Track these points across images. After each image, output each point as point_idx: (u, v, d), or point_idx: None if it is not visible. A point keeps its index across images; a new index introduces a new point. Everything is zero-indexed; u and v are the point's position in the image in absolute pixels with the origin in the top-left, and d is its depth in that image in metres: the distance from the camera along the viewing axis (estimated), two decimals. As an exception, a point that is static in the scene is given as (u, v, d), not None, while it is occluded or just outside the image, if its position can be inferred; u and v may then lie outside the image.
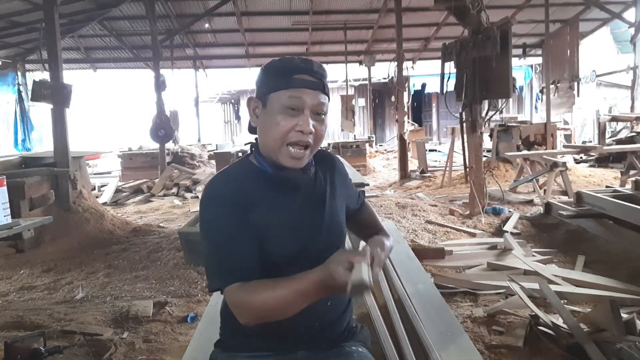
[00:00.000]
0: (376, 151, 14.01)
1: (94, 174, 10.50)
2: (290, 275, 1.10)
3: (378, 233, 1.28)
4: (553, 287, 2.65)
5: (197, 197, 7.91)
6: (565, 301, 2.74)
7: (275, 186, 1.16)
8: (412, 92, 15.50)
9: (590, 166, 8.83)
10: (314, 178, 1.23)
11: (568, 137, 11.15)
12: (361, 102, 17.04)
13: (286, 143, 1.10)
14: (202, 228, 1.13)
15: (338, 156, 1.39)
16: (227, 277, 1.07)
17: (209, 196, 1.13)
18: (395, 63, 8.65)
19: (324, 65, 1.19)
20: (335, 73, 14.93)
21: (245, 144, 1.28)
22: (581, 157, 9.24)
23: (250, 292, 1.04)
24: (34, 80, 5.96)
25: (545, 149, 7.55)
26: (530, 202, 5.69)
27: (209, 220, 1.11)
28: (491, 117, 5.30)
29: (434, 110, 18.41)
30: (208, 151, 11.80)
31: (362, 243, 1.29)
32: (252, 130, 1.21)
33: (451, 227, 4.66)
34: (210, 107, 20.57)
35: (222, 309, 1.24)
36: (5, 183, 2.51)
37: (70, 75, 11.50)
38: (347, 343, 1.24)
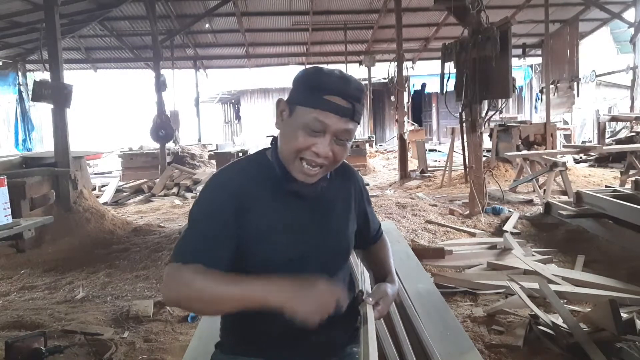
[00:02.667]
0: (376, 151, 14.01)
1: (95, 174, 10.50)
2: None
3: (385, 274, 1.29)
4: (553, 287, 2.65)
5: (198, 197, 7.91)
6: (565, 301, 2.74)
7: (280, 189, 1.14)
8: (412, 92, 15.49)
9: (590, 166, 8.83)
10: (327, 190, 1.20)
11: (568, 137, 11.16)
12: (361, 102, 17.00)
13: (300, 157, 1.09)
14: (192, 208, 1.14)
15: (361, 176, 1.37)
16: (180, 255, 1.06)
17: (210, 183, 1.15)
18: (395, 63, 8.65)
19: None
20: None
21: (267, 136, 1.26)
22: (581, 157, 9.24)
23: (192, 272, 1.01)
24: (34, 80, 5.98)
25: (545, 149, 7.55)
26: (530, 202, 5.70)
27: (198, 203, 1.13)
28: (491, 117, 5.30)
29: (433, 110, 18.41)
30: (208, 151, 11.81)
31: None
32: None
33: (451, 227, 4.67)
34: (211, 107, 20.58)
35: None
36: (6, 183, 2.51)
37: (71, 76, 11.51)
38: (348, 346, 1.24)
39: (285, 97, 1.13)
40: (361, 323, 1.05)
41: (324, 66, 1.12)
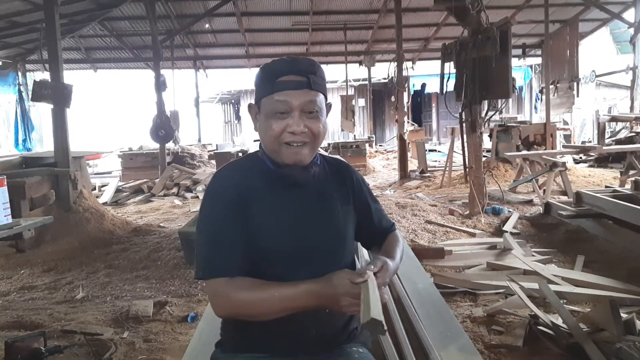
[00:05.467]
0: (376, 151, 14.02)
1: (95, 174, 10.50)
2: (281, 271, 1.15)
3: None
4: (552, 287, 2.65)
5: (197, 197, 7.93)
6: (565, 301, 2.74)
7: (277, 183, 1.19)
8: (411, 92, 15.49)
9: (590, 166, 8.83)
10: (323, 182, 1.24)
11: (567, 137, 11.17)
12: (361, 102, 17.04)
13: (282, 143, 1.14)
14: (199, 218, 1.18)
15: (359, 172, 1.38)
16: (211, 269, 1.12)
17: (211, 189, 1.18)
18: (395, 63, 8.65)
19: (323, 64, 1.20)
20: (335, 73, 14.93)
21: (255, 141, 1.31)
22: (581, 157, 9.25)
23: (237, 288, 1.10)
24: (34, 80, 5.97)
25: (545, 149, 7.55)
26: (529, 202, 5.70)
27: (206, 213, 1.17)
28: (491, 117, 5.30)
29: (433, 110, 18.41)
30: (208, 151, 11.81)
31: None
32: None
33: (451, 227, 4.67)
34: (211, 107, 20.59)
35: None
36: (5, 183, 2.52)
37: (71, 76, 11.51)
38: (347, 345, 1.25)
39: None
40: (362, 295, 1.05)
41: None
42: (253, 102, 1.22)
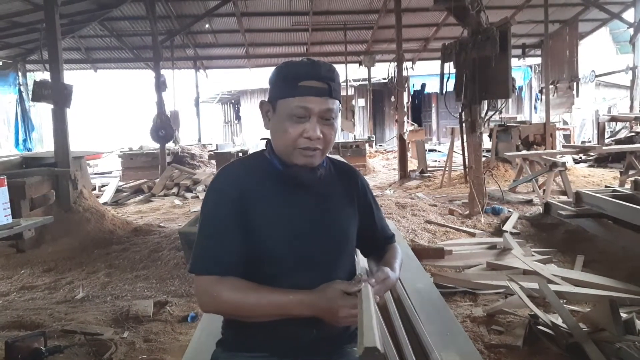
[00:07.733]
0: (376, 151, 14.02)
1: (95, 174, 10.50)
2: (279, 271, 1.16)
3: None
4: (552, 287, 2.66)
5: (198, 197, 7.93)
6: (565, 301, 2.75)
7: (282, 182, 1.19)
8: (411, 93, 15.49)
9: (590, 166, 8.84)
10: (328, 183, 1.24)
11: (567, 137, 11.18)
12: (361, 102, 17.04)
13: (296, 148, 1.14)
14: (201, 213, 1.19)
15: (364, 177, 1.39)
16: (205, 266, 1.13)
17: (214, 186, 1.18)
18: (395, 63, 8.65)
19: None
20: (335, 73, 14.91)
21: (261, 139, 1.31)
22: (580, 157, 9.25)
23: (226, 288, 1.10)
24: (34, 81, 5.98)
25: (545, 149, 7.55)
26: (529, 202, 5.70)
27: (206, 210, 1.17)
28: (490, 117, 5.31)
29: (433, 110, 18.41)
30: (208, 151, 11.82)
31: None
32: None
33: (451, 227, 4.67)
34: (211, 107, 20.60)
35: None
36: (6, 183, 2.51)
37: (71, 76, 11.52)
38: (348, 345, 1.25)
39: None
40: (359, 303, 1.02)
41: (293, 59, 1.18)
42: (266, 99, 1.21)
